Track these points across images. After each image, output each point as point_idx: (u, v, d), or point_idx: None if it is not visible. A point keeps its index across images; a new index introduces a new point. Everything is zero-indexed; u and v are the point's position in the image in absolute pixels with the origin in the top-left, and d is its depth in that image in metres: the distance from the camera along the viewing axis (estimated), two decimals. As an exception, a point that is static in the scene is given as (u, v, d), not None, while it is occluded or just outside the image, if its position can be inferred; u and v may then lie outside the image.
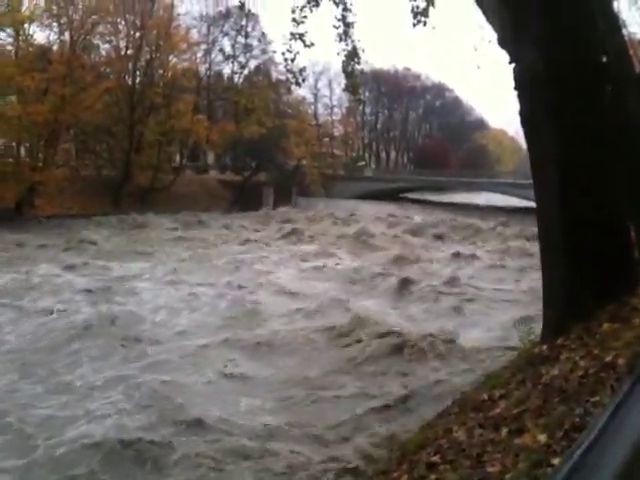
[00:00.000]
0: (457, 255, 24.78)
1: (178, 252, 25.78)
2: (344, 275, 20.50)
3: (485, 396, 5.03)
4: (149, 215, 37.15)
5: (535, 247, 10.00)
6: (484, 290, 18.15)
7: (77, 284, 17.58)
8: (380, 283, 19.01)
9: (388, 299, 17.20)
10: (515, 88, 5.80)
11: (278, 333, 13.02)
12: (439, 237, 32.33)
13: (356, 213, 42.17)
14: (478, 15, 6.41)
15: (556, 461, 2.75)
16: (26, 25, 37.40)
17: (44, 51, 38.88)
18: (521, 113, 5.82)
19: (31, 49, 37.85)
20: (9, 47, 38.49)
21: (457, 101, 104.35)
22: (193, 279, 19.23)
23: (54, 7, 37.89)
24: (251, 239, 30.96)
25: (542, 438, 3.17)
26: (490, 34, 6.54)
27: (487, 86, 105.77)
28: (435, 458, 4.16)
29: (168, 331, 13.51)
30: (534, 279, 13.79)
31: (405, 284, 18.14)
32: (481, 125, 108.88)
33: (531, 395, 4.14)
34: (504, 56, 5.92)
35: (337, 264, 23.01)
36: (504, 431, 3.72)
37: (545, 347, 5.18)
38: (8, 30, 38.02)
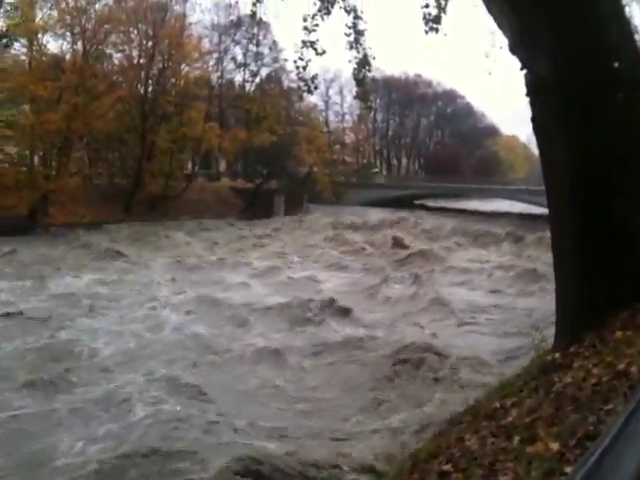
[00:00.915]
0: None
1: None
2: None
3: (497, 404, 5.00)
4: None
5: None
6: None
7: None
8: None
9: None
10: (527, 94, 5.78)
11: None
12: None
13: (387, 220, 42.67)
14: (489, 21, 6.42)
15: (569, 469, 2.73)
16: (40, 35, 37.93)
17: (57, 60, 39.30)
18: (533, 120, 5.80)
19: (44, 58, 38.31)
20: (23, 57, 39.01)
21: (469, 108, 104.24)
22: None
23: (67, 17, 38.28)
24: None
25: (555, 446, 3.14)
26: (501, 40, 6.54)
27: (499, 92, 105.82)
28: (447, 467, 4.13)
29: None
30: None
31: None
32: (493, 132, 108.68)
33: (543, 403, 4.10)
34: (516, 62, 5.92)
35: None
36: (516, 439, 3.68)
37: (558, 355, 5.14)
38: (22, 40, 38.56)
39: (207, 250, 31.10)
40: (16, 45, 39.43)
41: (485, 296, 20.64)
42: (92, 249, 28.78)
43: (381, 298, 20.25)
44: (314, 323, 16.40)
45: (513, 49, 5.87)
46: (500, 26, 6.13)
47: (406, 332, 15.08)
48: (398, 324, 16.45)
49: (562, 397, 3.95)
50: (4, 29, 37.65)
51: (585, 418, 3.29)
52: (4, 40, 38.37)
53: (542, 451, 3.20)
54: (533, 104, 5.73)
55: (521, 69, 5.78)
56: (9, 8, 37.45)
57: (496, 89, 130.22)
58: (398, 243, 32.32)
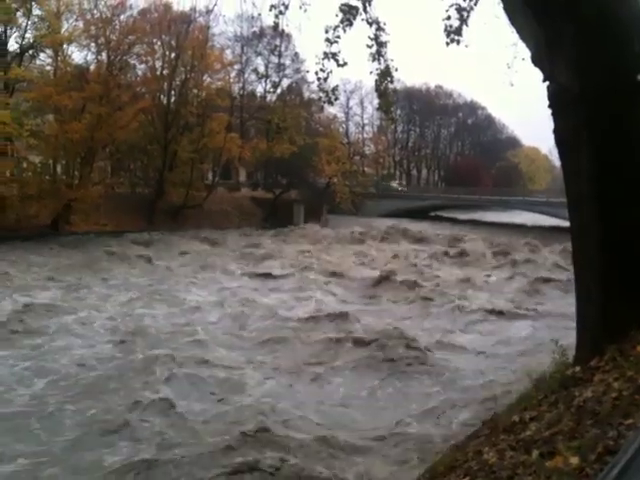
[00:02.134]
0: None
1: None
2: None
3: (516, 418, 4.96)
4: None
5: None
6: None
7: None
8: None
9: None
10: (549, 106, 5.77)
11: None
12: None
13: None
14: (512, 33, 6.42)
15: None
16: (65, 46, 38.48)
17: (82, 71, 39.72)
18: (555, 131, 5.78)
19: (69, 69, 38.75)
20: (48, 67, 39.67)
21: (489, 119, 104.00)
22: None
23: (92, 28, 38.82)
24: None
25: (574, 461, 3.11)
26: (524, 52, 6.54)
27: (520, 104, 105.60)
28: (465, 480, 4.11)
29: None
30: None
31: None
32: (514, 143, 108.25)
33: (563, 417, 4.07)
34: (538, 74, 5.91)
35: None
36: (535, 453, 3.65)
37: (578, 369, 5.10)
38: (48, 51, 39.23)
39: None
40: (42, 56, 40.34)
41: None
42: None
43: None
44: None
45: (536, 61, 5.88)
46: (523, 38, 6.14)
47: None
48: None
49: (582, 411, 3.92)
50: (31, 40, 38.39)
51: (605, 432, 3.26)
52: (31, 51, 39.16)
53: (562, 465, 3.18)
54: (555, 115, 5.72)
55: (544, 81, 5.78)
56: (36, 20, 38.17)
57: (518, 100, 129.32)
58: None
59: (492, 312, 17.54)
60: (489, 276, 25.13)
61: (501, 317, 17.26)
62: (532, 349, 12.97)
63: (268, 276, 24.55)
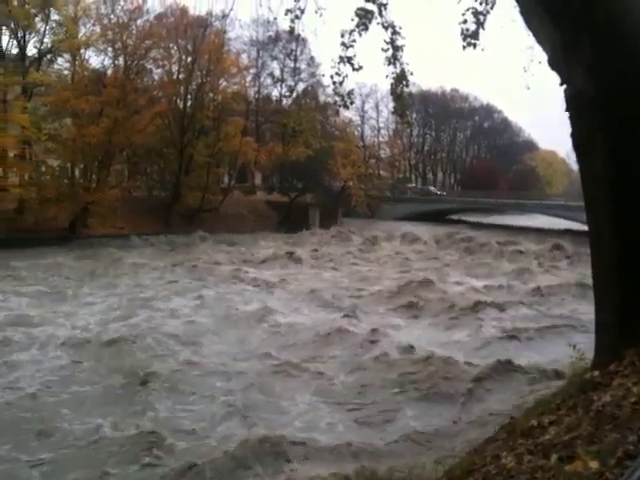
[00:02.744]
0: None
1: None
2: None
3: (534, 422, 4.93)
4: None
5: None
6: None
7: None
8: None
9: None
10: (566, 110, 5.75)
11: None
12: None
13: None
14: (528, 36, 6.40)
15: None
16: (82, 50, 38.93)
17: (99, 75, 40.14)
18: (573, 135, 5.75)
19: (86, 73, 39.18)
20: (66, 72, 40.08)
21: (505, 122, 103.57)
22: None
23: (109, 33, 39.20)
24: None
25: (594, 465, 3.10)
26: (540, 55, 6.51)
27: (537, 107, 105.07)
28: (483, 484, 4.10)
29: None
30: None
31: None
32: (530, 146, 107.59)
33: (582, 422, 4.05)
34: (555, 77, 5.89)
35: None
36: (554, 458, 3.63)
37: (597, 373, 5.06)
38: (65, 55, 39.66)
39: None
40: (59, 60, 40.76)
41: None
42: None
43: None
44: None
45: (553, 64, 5.85)
46: (539, 41, 6.12)
47: None
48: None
49: (601, 415, 3.89)
50: (49, 45, 38.83)
51: (625, 437, 3.24)
52: (49, 56, 39.59)
53: (581, 470, 3.16)
54: (573, 119, 5.69)
55: (561, 84, 5.75)
56: (54, 25, 38.59)
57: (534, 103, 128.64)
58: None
59: None
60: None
61: None
62: None
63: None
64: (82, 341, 14.46)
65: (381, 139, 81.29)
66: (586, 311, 14.86)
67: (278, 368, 12.66)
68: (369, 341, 14.52)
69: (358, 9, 7.86)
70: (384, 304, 19.82)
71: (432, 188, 74.70)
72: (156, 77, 47.07)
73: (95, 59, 42.33)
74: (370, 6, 7.91)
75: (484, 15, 7.73)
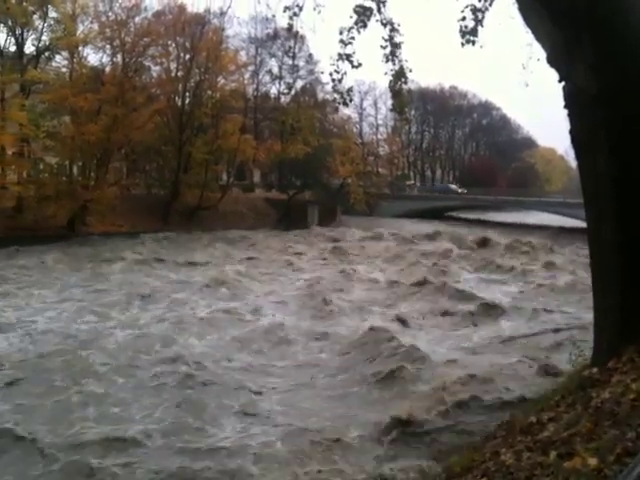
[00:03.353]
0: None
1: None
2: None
3: (533, 419, 4.94)
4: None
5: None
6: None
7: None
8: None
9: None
10: (565, 107, 5.74)
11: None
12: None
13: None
14: (527, 33, 6.40)
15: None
16: (80, 48, 38.79)
17: (97, 73, 39.97)
18: (571, 132, 5.76)
19: (85, 71, 38.99)
20: (64, 69, 39.97)
21: (504, 120, 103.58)
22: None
23: (107, 30, 39.08)
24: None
25: (593, 462, 3.10)
26: (539, 52, 6.51)
27: (536, 104, 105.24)
28: (482, 481, 4.11)
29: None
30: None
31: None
32: (529, 144, 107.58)
33: (581, 418, 4.05)
34: (554, 74, 5.89)
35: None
36: (553, 454, 3.64)
37: (596, 370, 5.07)
38: (64, 53, 39.55)
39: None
40: (57, 58, 40.63)
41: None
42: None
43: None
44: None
45: (552, 61, 5.85)
46: (538, 38, 6.12)
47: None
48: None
49: (600, 412, 3.90)
50: (47, 42, 38.72)
51: (624, 434, 3.25)
52: (47, 53, 39.48)
53: (580, 466, 3.17)
54: (572, 116, 5.69)
55: (560, 81, 5.75)
56: (52, 22, 38.47)
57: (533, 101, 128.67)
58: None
59: None
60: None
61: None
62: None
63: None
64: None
65: (380, 136, 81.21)
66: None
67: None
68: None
69: (357, 6, 7.86)
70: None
71: (453, 186, 74.41)
72: (154, 75, 46.87)
73: (93, 57, 42.12)
74: (369, 3, 7.92)
75: (483, 12, 7.73)
